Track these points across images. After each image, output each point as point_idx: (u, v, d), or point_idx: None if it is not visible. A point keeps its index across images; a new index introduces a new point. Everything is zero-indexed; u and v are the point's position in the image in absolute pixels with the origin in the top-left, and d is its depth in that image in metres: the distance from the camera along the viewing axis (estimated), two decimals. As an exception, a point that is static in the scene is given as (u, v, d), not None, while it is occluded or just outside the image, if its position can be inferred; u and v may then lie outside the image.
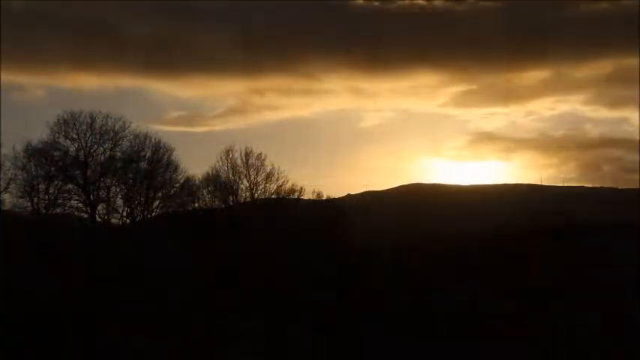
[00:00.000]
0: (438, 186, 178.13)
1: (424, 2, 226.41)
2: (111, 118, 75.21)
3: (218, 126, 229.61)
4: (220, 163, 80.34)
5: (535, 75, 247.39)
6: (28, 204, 71.66)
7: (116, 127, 75.09)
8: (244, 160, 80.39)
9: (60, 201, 73.38)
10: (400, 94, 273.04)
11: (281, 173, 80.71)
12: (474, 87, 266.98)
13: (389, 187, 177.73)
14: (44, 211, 72.13)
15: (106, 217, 74.95)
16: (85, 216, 74.35)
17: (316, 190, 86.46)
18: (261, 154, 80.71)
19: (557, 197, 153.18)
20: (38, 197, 72.41)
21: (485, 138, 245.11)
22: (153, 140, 76.55)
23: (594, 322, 53.29)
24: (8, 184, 71.14)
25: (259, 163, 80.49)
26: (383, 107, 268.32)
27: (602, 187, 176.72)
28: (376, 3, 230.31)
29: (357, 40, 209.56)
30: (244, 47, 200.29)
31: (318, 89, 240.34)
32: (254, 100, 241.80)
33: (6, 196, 71.75)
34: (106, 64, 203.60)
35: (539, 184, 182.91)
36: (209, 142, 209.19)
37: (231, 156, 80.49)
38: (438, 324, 53.83)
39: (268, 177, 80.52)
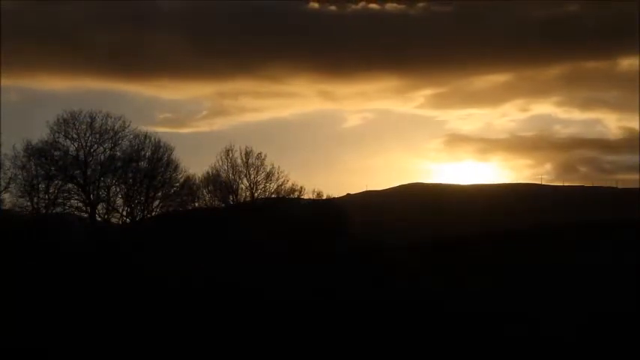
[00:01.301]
0: (438, 185, 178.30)
1: (377, 6, 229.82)
2: (111, 117, 75.30)
3: (203, 127, 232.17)
4: (220, 163, 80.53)
5: (498, 78, 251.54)
6: (28, 203, 71.83)
7: (116, 127, 75.19)
8: (244, 159, 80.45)
9: (60, 200, 73.46)
10: (368, 98, 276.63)
11: (281, 173, 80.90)
12: (442, 90, 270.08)
13: (389, 187, 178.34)
14: (44, 211, 72.24)
15: (105, 217, 75.06)
16: (85, 215, 74.52)
17: (316, 190, 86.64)
18: (260, 153, 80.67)
19: (558, 197, 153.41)
20: (38, 197, 72.44)
21: (464, 139, 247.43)
22: (153, 140, 76.76)
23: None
24: (8, 183, 71.27)
25: (259, 163, 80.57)
26: (361, 109, 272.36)
27: (601, 187, 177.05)
28: (332, 7, 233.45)
29: (318, 43, 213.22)
30: (210, 51, 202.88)
31: (285, 92, 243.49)
32: (227, 103, 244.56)
33: (6, 196, 71.98)
34: (72, 67, 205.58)
35: (539, 183, 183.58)
36: (196, 143, 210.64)
37: (231, 155, 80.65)
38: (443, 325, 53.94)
39: (268, 176, 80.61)
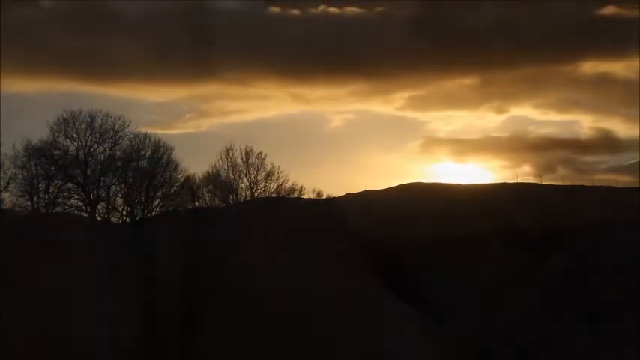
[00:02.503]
0: (438, 185, 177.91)
1: (337, 10, 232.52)
2: (111, 117, 75.45)
3: (190, 129, 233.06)
4: (220, 162, 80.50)
5: (471, 80, 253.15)
6: (28, 203, 71.77)
7: (116, 127, 75.25)
8: (244, 159, 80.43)
9: (60, 200, 73.41)
10: (342, 100, 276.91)
11: (281, 172, 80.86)
12: (420, 93, 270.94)
13: (388, 187, 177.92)
14: (44, 211, 72.15)
15: (105, 217, 74.98)
16: (85, 215, 74.46)
17: (316, 190, 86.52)
18: (261, 153, 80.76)
19: (559, 196, 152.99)
20: (38, 196, 72.39)
21: (446, 141, 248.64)
22: (153, 139, 76.79)
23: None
24: (8, 183, 71.19)
25: (259, 162, 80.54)
26: (342, 111, 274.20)
27: (601, 187, 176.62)
28: (294, 11, 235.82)
29: (284, 47, 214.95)
30: (177, 54, 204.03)
31: (256, 95, 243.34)
32: (206, 106, 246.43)
33: (6, 196, 71.91)
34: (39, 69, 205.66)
35: (539, 183, 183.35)
36: (187, 144, 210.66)
37: (231, 155, 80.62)
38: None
39: (268, 176, 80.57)
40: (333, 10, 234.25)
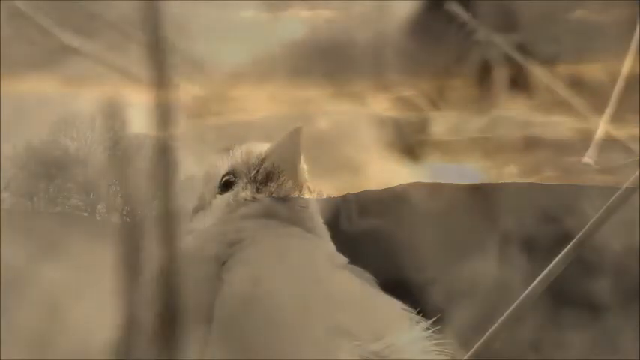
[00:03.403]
0: (438, 185, 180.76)
1: (309, 12, 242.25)
2: (111, 117, 76.49)
3: (180, 130, 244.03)
4: (220, 162, 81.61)
5: (453, 82, 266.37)
6: (29, 203, 72.64)
7: (116, 127, 76.18)
8: (245, 159, 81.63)
9: (60, 200, 74.37)
10: (326, 102, 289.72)
11: (281, 172, 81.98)
12: (407, 93, 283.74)
13: (388, 187, 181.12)
14: (44, 210, 73.16)
15: (105, 216, 76.05)
16: (86, 215, 75.45)
17: (316, 190, 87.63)
18: (261, 153, 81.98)
19: (561, 196, 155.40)
20: (38, 196, 73.33)
21: (432, 142, 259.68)
22: (152, 140, 77.87)
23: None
24: (8, 183, 72.10)
25: (259, 162, 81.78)
26: (329, 111, 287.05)
27: (600, 186, 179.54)
28: (265, 14, 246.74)
29: (265, 49, 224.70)
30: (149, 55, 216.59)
31: (232, 96, 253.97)
32: (192, 108, 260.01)
33: (6, 196, 72.76)
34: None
35: (539, 183, 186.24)
36: (181, 145, 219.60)
37: (231, 155, 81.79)
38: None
39: (268, 176, 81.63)
40: (304, 13, 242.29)
